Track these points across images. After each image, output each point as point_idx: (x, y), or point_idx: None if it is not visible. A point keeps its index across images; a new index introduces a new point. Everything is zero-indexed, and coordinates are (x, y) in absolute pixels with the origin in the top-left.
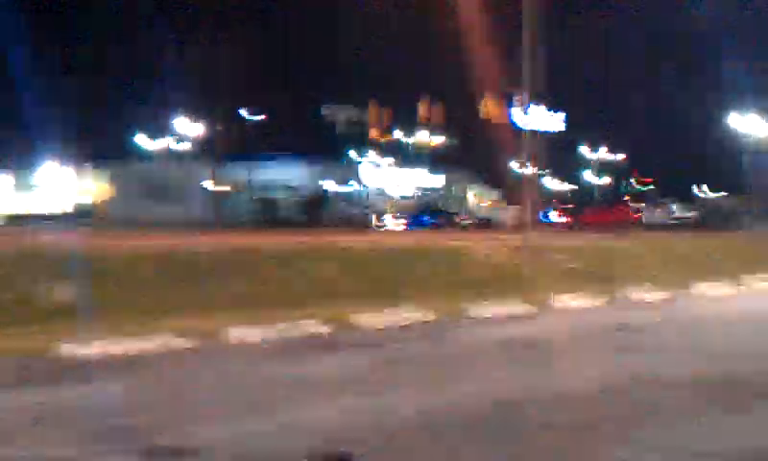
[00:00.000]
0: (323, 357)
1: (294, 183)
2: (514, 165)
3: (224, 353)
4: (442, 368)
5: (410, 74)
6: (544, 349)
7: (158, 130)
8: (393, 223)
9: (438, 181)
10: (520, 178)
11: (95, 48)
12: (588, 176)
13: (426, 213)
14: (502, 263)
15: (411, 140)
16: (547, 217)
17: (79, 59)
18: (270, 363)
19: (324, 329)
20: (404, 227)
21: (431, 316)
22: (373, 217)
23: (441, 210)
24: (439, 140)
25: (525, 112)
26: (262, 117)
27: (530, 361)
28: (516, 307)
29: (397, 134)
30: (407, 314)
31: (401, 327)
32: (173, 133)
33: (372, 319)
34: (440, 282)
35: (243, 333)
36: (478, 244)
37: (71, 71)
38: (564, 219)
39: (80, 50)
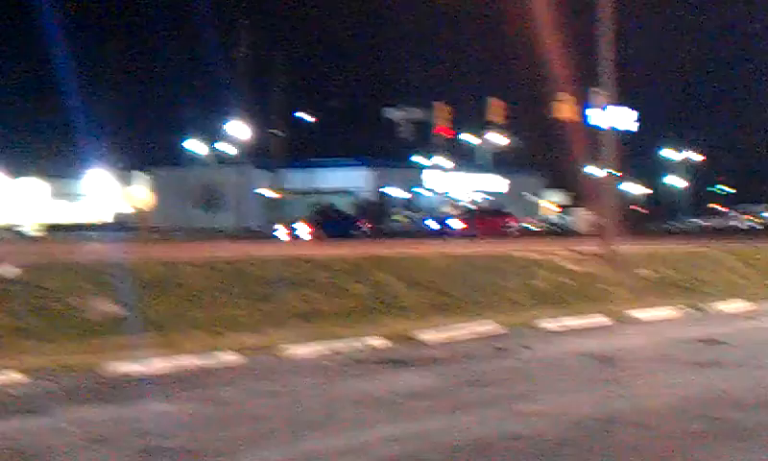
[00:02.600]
0: (387, 375)
1: (353, 189)
2: (587, 168)
3: (282, 371)
4: (513, 385)
5: (473, 74)
6: (623, 364)
7: (210, 134)
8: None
9: (503, 185)
10: (594, 181)
11: (144, 52)
12: (668, 179)
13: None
14: (576, 272)
15: (475, 142)
16: (447, 224)
17: (127, 63)
18: (331, 381)
19: (389, 345)
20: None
21: (502, 329)
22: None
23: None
24: (505, 142)
25: (602, 111)
26: (319, 120)
27: (608, 377)
28: (592, 319)
29: (462, 137)
30: (477, 328)
31: (470, 341)
32: (225, 138)
33: (439, 333)
34: (511, 294)
35: (302, 350)
36: (551, 252)
37: (120, 76)
38: (462, 225)
39: (128, 54)
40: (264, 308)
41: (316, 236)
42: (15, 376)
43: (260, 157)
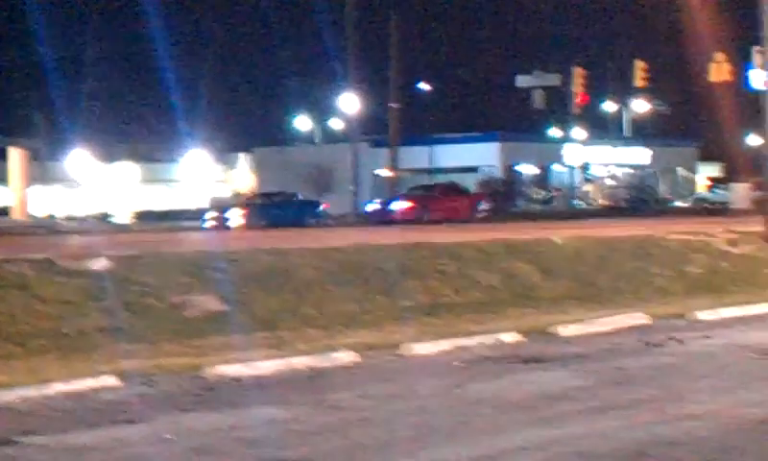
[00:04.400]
0: (522, 374)
1: (480, 166)
2: (745, 137)
3: (404, 371)
4: (665, 384)
5: (612, 34)
6: None
7: (320, 111)
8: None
9: (647, 156)
10: (753, 151)
11: (246, 24)
12: None
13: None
14: (736, 255)
15: (617, 112)
16: (389, 207)
17: (231, 37)
18: (460, 382)
19: (522, 341)
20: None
21: (651, 321)
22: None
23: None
24: (650, 109)
25: (766, 72)
26: (442, 91)
27: None
28: (755, 308)
29: (602, 105)
30: (622, 320)
31: (615, 335)
32: (337, 114)
33: (579, 327)
34: (660, 281)
35: (426, 347)
36: (705, 233)
37: (219, 50)
38: (406, 205)
39: (229, 26)
40: (382, 301)
41: (250, 224)
42: (109, 381)
43: (376, 133)
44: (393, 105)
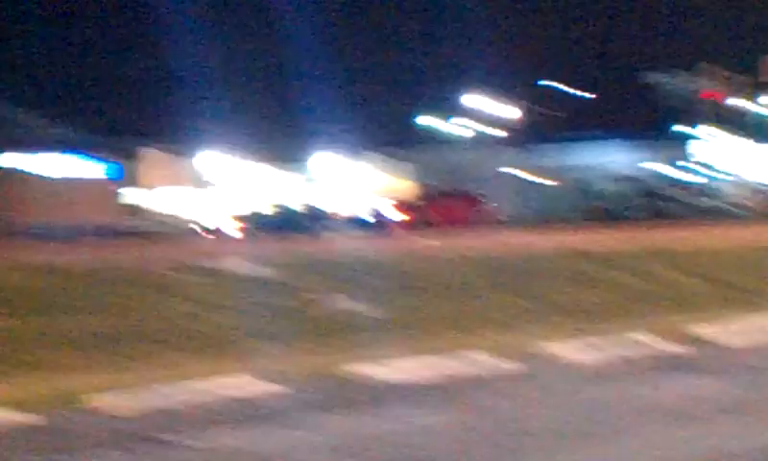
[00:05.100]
0: (676, 382)
1: (611, 167)
2: None
3: (548, 375)
4: None
5: (743, 28)
6: None
7: (449, 110)
8: None
9: None
10: None
11: (369, 20)
12: None
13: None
14: None
15: (752, 108)
16: (382, 216)
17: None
18: (607, 387)
19: (672, 347)
20: None
21: None
22: None
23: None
24: None
25: None
26: (574, 92)
27: None
28: None
29: (737, 103)
30: None
31: None
32: (467, 114)
33: (735, 333)
34: None
35: (569, 350)
36: None
37: (346, 48)
38: (403, 217)
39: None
40: (523, 304)
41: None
42: (248, 380)
43: (512, 135)
44: (525, 104)
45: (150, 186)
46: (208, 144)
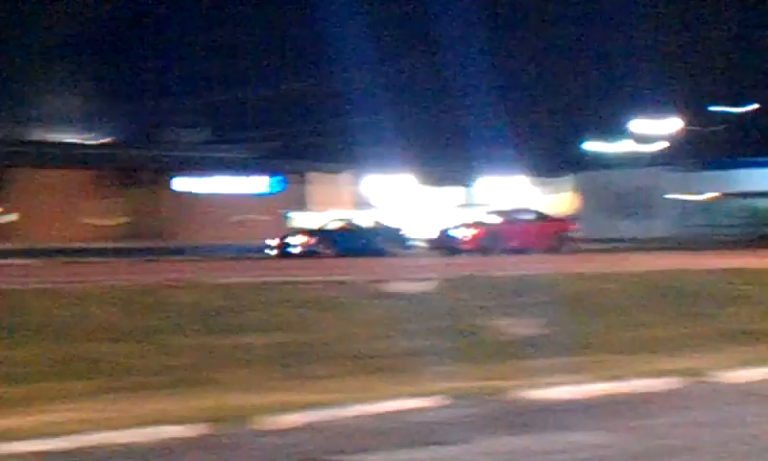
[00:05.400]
0: None
1: None
2: None
3: (724, 397)
4: None
5: None
6: None
7: (614, 132)
8: None
9: None
10: None
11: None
12: None
13: None
14: None
15: None
16: (450, 235)
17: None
18: None
19: None
20: None
21: None
22: None
23: None
24: None
25: None
26: (746, 110)
27: None
28: None
29: None
30: None
31: None
32: (632, 135)
33: None
34: None
35: (741, 374)
36: None
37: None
38: (473, 236)
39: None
40: (689, 327)
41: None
42: (421, 401)
43: (675, 156)
44: (693, 127)
45: (318, 208)
46: (374, 166)
